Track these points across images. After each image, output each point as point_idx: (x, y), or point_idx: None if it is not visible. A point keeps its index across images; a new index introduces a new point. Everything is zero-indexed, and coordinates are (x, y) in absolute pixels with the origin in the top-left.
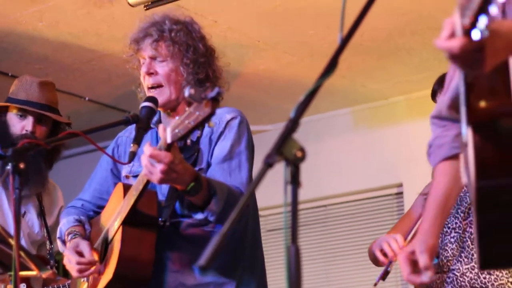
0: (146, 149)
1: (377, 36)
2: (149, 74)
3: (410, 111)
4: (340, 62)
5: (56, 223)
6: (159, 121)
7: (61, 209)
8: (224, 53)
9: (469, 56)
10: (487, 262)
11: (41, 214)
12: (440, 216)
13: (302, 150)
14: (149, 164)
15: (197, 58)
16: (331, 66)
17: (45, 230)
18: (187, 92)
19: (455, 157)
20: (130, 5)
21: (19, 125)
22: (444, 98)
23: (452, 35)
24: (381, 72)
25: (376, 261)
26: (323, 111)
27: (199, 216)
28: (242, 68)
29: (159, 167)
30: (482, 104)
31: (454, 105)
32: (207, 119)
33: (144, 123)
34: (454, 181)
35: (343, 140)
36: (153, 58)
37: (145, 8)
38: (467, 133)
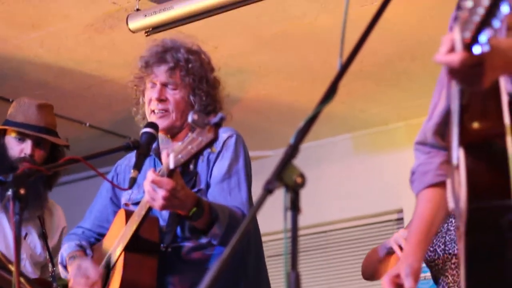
0: (149, 174)
1: (377, 61)
2: (160, 100)
3: (410, 137)
4: (339, 88)
5: (58, 244)
6: (157, 149)
7: (64, 230)
8: (225, 79)
9: (468, 71)
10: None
11: (43, 236)
12: (423, 242)
13: (302, 176)
14: (151, 190)
15: (209, 90)
16: (331, 92)
17: (47, 252)
18: (190, 117)
19: (439, 184)
20: (131, 31)
21: (18, 148)
22: (430, 124)
23: (451, 50)
24: (381, 98)
25: (376, 266)
26: (323, 137)
27: (203, 240)
28: (243, 93)
29: (161, 193)
30: (475, 125)
31: (439, 131)
32: (209, 144)
33: (144, 149)
34: (437, 208)
35: (343, 166)
36: (165, 85)
37: (146, 34)
38: (459, 154)
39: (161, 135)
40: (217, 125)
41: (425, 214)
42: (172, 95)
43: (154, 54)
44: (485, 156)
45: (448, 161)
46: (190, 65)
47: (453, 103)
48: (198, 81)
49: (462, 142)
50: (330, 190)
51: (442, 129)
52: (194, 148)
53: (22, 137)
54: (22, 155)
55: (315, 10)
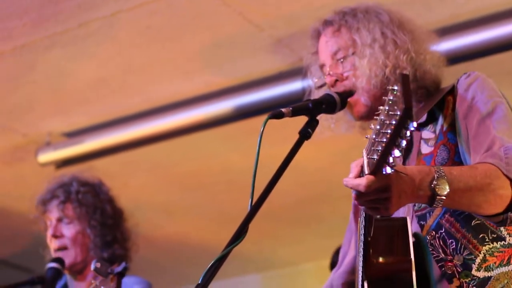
0: None
1: (287, 203)
2: (55, 236)
3: (319, 278)
4: (250, 228)
5: None
6: (65, 286)
7: None
8: (134, 215)
9: (375, 196)
10: None
11: None
12: None
13: None
14: None
15: (105, 220)
16: (241, 232)
17: None
18: (93, 265)
19: None
20: (40, 164)
21: None
22: (339, 271)
23: (359, 175)
24: (291, 239)
25: None
26: (232, 276)
27: None
28: (151, 231)
29: None
30: (380, 260)
31: (348, 281)
32: None
33: (49, 284)
34: None
35: None
36: (59, 220)
37: (55, 168)
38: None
39: (68, 275)
40: (120, 275)
41: None
42: (68, 229)
43: (48, 191)
44: None
45: None
46: (80, 196)
47: (357, 238)
48: (92, 212)
49: (366, 276)
50: None
51: (351, 280)
52: None
53: None
54: None
55: (228, 150)
